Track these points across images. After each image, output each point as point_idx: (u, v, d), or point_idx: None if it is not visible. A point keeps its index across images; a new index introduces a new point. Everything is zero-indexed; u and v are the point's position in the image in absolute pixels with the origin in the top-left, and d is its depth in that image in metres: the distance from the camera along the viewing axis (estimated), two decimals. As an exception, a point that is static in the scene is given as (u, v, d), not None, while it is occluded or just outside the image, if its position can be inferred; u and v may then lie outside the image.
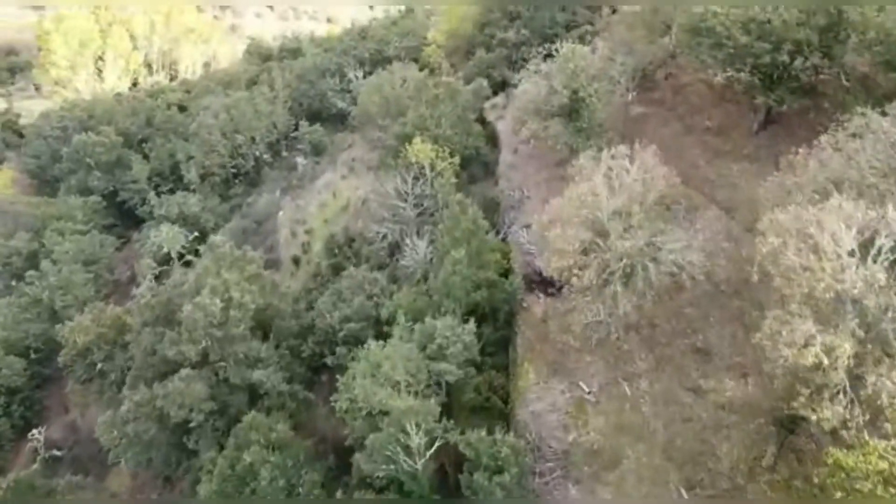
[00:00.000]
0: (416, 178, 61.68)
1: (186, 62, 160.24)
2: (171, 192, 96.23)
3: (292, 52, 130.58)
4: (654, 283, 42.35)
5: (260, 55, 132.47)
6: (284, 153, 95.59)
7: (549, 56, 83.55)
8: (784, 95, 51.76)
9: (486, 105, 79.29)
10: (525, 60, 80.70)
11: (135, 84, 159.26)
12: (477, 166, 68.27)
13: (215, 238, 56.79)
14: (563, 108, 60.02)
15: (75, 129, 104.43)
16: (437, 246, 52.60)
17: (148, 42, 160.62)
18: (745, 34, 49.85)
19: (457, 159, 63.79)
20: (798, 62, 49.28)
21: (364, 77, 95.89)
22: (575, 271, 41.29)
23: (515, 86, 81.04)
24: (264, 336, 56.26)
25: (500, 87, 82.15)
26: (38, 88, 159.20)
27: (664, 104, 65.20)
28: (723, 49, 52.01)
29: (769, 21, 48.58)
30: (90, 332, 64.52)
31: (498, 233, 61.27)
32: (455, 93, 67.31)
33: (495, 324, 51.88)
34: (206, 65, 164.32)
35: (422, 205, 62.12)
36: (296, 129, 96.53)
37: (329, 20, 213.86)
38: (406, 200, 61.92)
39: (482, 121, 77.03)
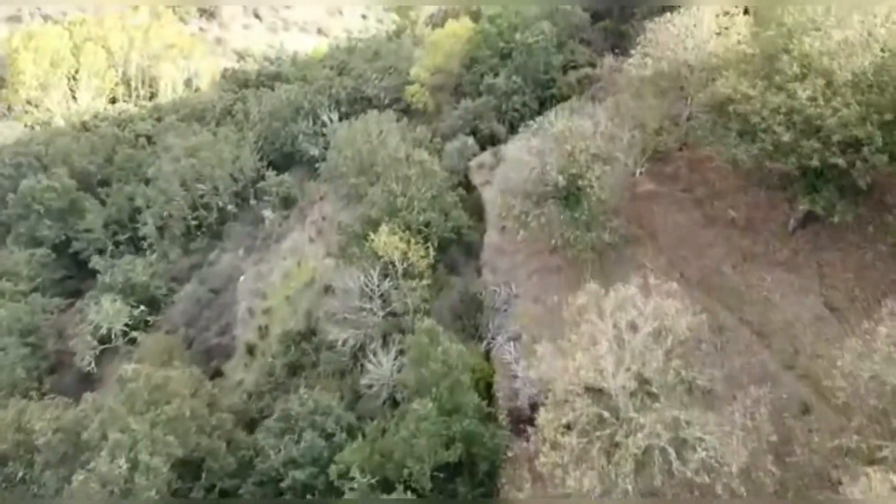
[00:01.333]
0: (383, 275, 50.32)
1: (166, 80, 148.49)
2: (130, 240, 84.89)
3: (271, 77, 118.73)
4: (675, 476, 31.10)
5: (237, 81, 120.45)
6: (253, 200, 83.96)
7: (542, 104, 72.89)
8: (833, 200, 40.16)
9: (472, 163, 67.67)
10: (517, 112, 69.30)
11: (113, 101, 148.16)
12: (458, 250, 56.80)
13: (127, 368, 45.22)
14: (559, 191, 48.54)
15: (30, 167, 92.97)
16: (400, 386, 41.24)
17: (125, 59, 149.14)
18: (787, 129, 38.31)
19: (433, 248, 52.43)
20: (855, 164, 37.70)
21: (340, 119, 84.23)
22: (572, 472, 30.04)
23: (505, 141, 69.85)
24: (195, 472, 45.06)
25: (489, 140, 70.45)
26: (10, 108, 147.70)
27: (678, 182, 53.61)
28: (756, 143, 40.48)
29: (821, 116, 36.97)
30: (6, 439, 53.30)
31: (481, 339, 50.00)
32: (431, 173, 55.56)
33: (473, 480, 40.69)
34: (188, 81, 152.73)
35: (390, 305, 50.76)
36: (264, 177, 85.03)
37: (320, 31, 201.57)
38: (371, 300, 50.55)
39: (466, 185, 65.56)
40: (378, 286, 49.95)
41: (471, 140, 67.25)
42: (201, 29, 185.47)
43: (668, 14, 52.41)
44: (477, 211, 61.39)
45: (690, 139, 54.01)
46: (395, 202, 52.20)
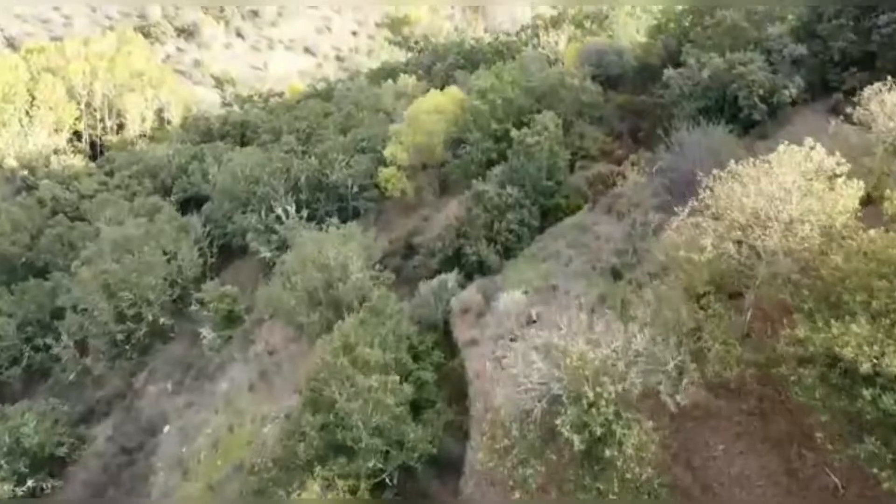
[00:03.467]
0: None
1: (133, 112, 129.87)
2: (47, 349, 66.94)
3: (238, 126, 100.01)
4: None
5: (198, 131, 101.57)
6: (193, 305, 65.65)
7: (545, 215, 54.56)
8: None
9: (455, 304, 49.37)
10: (512, 233, 51.02)
11: (78, 137, 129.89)
12: (427, 474, 38.61)
13: None
14: (574, 454, 30.59)
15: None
16: None
17: (88, 90, 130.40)
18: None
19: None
20: None
21: (299, 209, 65.85)
22: None
23: (499, 270, 51.59)
24: None
25: (478, 269, 52.23)
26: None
27: (743, 399, 35.50)
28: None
29: None
30: None
31: None
32: (384, 405, 36.55)
33: None
34: (159, 112, 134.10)
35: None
36: (210, 273, 67.07)
37: (307, 50, 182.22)
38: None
39: (447, 342, 47.47)
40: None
41: (452, 279, 48.93)
42: (179, 49, 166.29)
43: (738, 164, 34.07)
44: (456, 396, 43.32)
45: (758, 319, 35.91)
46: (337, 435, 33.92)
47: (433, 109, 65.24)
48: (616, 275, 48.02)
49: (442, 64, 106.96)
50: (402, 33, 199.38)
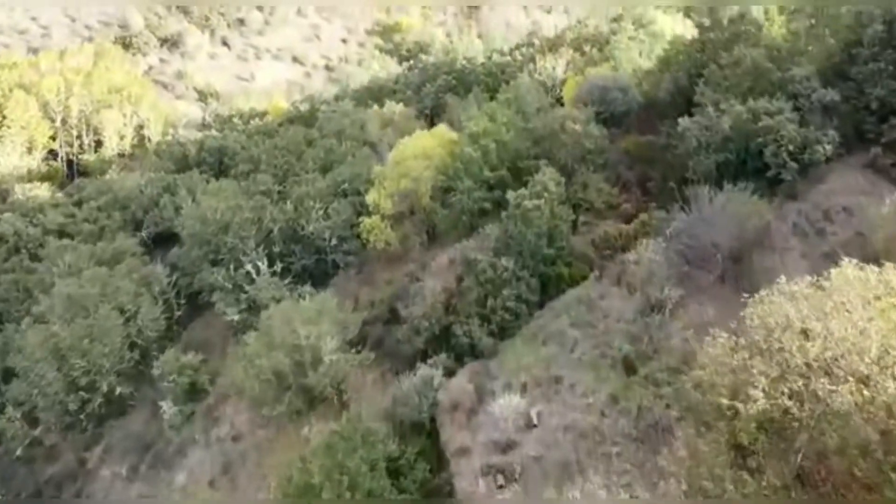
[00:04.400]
0: None
1: (111, 130, 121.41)
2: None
3: (215, 152, 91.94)
4: None
5: (173, 158, 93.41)
6: (155, 369, 57.78)
7: (545, 287, 47.10)
8: None
9: (443, 398, 41.84)
10: (508, 312, 43.59)
11: (53, 156, 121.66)
12: None
13: None
14: None
15: None
16: None
17: (64, 107, 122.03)
18: None
19: None
20: None
21: (271, 263, 58.16)
22: None
23: (493, 355, 44.16)
24: None
25: (470, 351, 44.69)
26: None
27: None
28: None
29: None
30: None
31: None
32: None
33: None
34: (139, 128, 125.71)
35: None
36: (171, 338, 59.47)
37: (295, 59, 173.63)
38: None
39: (434, 447, 39.99)
40: None
41: (437, 375, 41.35)
42: (162, 60, 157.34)
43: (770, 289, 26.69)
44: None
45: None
46: None
47: (420, 153, 57.53)
48: (629, 367, 40.67)
49: (432, 85, 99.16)
50: (394, 41, 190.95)
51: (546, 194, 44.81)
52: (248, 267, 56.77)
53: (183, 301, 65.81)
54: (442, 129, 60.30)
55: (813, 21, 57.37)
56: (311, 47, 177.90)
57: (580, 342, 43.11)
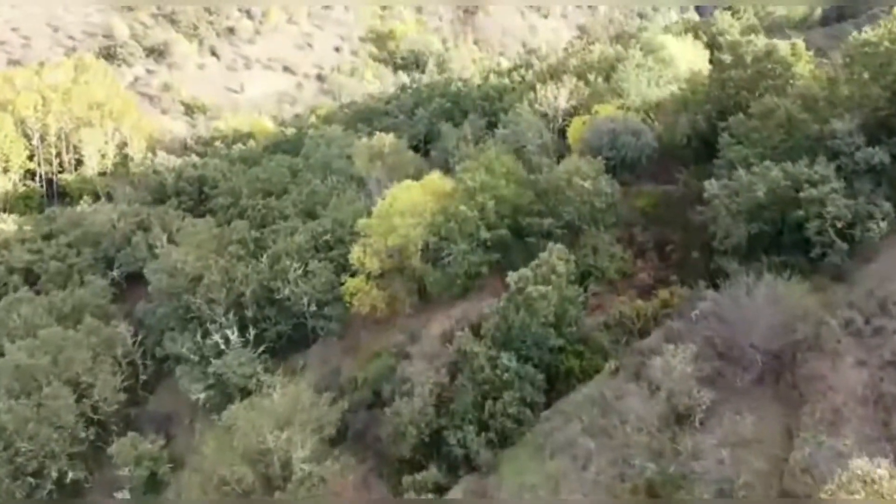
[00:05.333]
0: None
1: (91, 148, 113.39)
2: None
3: (194, 181, 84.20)
4: None
5: (150, 188, 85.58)
6: (113, 446, 50.32)
7: (552, 383, 39.80)
8: None
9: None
10: (509, 418, 36.31)
11: (32, 175, 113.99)
12: None
13: None
14: None
15: None
16: None
17: (42, 125, 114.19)
18: None
19: None
20: None
21: (244, 328, 50.76)
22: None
23: (492, 468, 36.92)
24: None
25: (465, 461, 37.33)
26: None
27: None
28: None
29: None
30: None
31: None
32: None
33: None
34: (122, 145, 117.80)
35: None
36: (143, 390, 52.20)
37: (286, 68, 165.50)
38: None
39: None
40: None
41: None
42: (148, 71, 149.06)
43: None
44: None
45: None
46: None
47: (409, 209, 50.02)
48: (653, 495, 33.48)
49: (426, 108, 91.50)
50: (388, 48, 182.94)
51: (554, 277, 37.39)
52: (217, 337, 49.30)
53: (149, 361, 58.50)
54: (434, 179, 52.66)
55: (848, 59, 49.76)
56: (303, 56, 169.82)
57: (595, 456, 35.84)
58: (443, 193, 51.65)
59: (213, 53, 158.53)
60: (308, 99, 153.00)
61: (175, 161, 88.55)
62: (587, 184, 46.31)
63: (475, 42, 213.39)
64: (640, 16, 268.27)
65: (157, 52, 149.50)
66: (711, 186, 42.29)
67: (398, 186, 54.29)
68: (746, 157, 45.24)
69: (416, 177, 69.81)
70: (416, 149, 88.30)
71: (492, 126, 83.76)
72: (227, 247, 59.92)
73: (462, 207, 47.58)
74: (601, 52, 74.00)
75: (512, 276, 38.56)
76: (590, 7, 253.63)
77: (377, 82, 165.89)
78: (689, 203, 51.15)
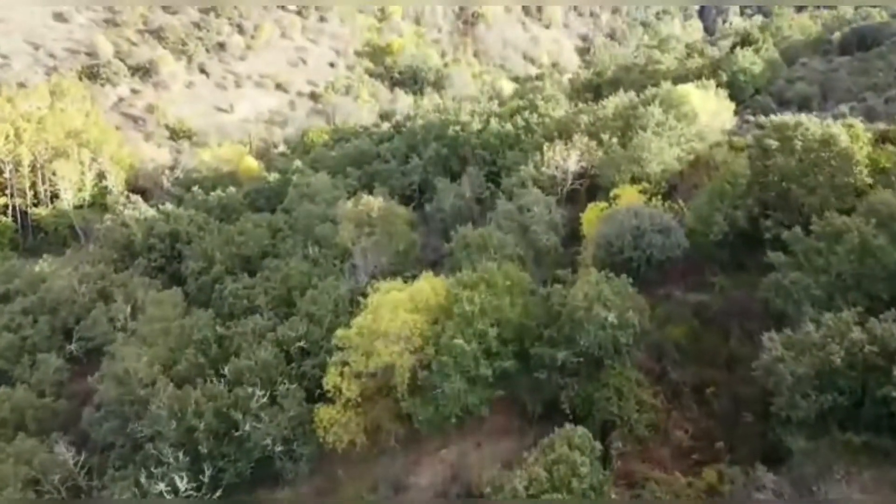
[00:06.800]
0: None
1: (68, 180, 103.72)
2: None
3: (167, 238, 74.28)
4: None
5: (117, 245, 75.48)
6: None
7: None
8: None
9: None
10: None
11: (3, 209, 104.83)
12: None
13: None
14: None
15: None
16: None
17: (14, 156, 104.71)
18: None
19: None
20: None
21: (195, 474, 41.11)
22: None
23: None
24: None
25: None
26: None
27: None
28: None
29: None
30: None
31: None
32: None
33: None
34: (100, 176, 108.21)
35: None
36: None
37: (279, 86, 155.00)
38: None
39: None
40: None
41: None
42: (133, 91, 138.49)
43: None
44: None
45: None
46: None
47: (394, 329, 40.22)
48: None
49: (421, 154, 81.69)
50: (385, 64, 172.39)
51: (575, 482, 27.69)
52: (162, 486, 39.66)
53: (95, 481, 48.85)
54: (424, 287, 42.75)
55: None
56: (297, 72, 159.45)
57: None
58: (437, 307, 41.82)
59: (202, 71, 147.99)
60: (300, 119, 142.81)
61: (147, 210, 78.53)
62: (611, 317, 36.52)
63: (475, 54, 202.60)
64: (643, 24, 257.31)
65: (142, 71, 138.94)
66: (770, 342, 32.48)
67: (383, 290, 44.43)
68: (809, 289, 35.56)
69: (409, 250, 60.42)
70: (409, 199, 78.80)
71: (492, 178, 74.27)
72: (187, 345, 50.37)
73: (458, 341, 37.81)
74: (616, 108, 63.89)
75: (520, 479, 28.74)
76: (592, 16, 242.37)
77: (373, 100, 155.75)
78: (731, 319, 41.72)
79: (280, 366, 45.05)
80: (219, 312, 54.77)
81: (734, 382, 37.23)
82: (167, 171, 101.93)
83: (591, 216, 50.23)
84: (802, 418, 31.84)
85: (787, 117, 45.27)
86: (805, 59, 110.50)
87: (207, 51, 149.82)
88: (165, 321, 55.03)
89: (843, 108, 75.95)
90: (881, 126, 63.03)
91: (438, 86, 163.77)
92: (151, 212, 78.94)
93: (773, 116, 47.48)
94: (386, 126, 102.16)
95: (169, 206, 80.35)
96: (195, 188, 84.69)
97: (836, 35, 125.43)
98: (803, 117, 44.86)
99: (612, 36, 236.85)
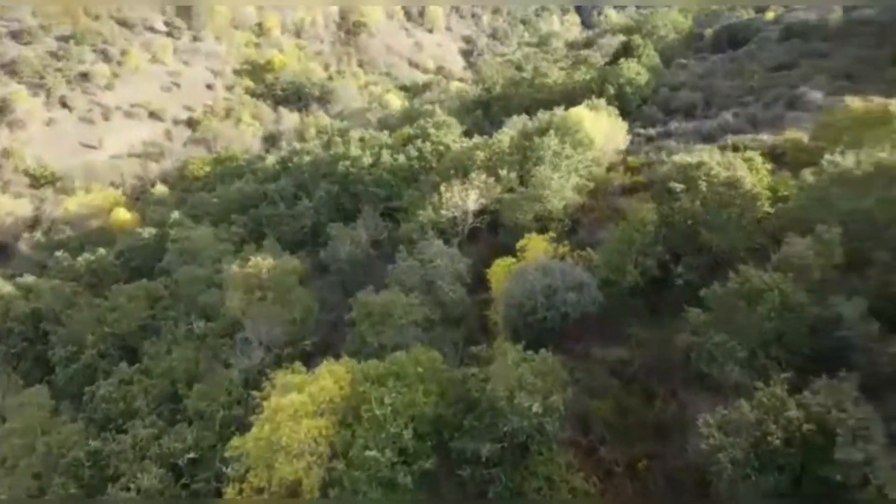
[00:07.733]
0: None
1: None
2: None
3: (29, 319, 64.90)
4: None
5: None
6: None
7: None
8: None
9: None
10: None
11: None
12: None
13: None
14: None
15: None
16: None
17: None
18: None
19: None
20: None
21: None
22: None
23: None
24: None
25: None
26: None
27: None
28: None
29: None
30: None
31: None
32: None
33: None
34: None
35: None
36: None
37: (152, 114, 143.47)
38: None
39: None
40: None
41: None
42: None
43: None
44: None
45: None
46: None
47: (293, 444, 35.12)
48: None
49: (310, 195, 75.85)
50: (265, 81, 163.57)
51: None
52: None
53: None
54: (328, 383, 37.79)
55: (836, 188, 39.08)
56: (171, 98, 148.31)
57: None
58: (342, 407, 37.00)
59: (64, 105, 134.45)
60: (178, 150, 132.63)
61: (3, 286, 68.47)
62: (536, 406, 33.09)
63: (360, 64, 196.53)
64: (523, 21, 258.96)
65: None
66: (709, 427, 29.96)
67: (280, 387, 39.15)
68: (734, 351, 33.58)
69: (305, 317, 55.15)
70: (301, 244, 73.12)
71: (388, 215, 69.89)
72: (55, 468, 42.91)
73: (370, 453, 33.25)
74: (511, 140, 60.98)
75: None
76: (473, 17, 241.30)
77: (256, 123, 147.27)
78: (652, 377, 39.54)
79: (168, 489, 38.76)
80: (92, 418, 47.40)
81: (667, 455, 34.78)
82: (27, 231, 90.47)
83: (499, 272, 46.77)
84: (743, 501, 29.64)
85: (690, 158, 43.40)
86: (682, 60, 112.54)
87: (69, 82, 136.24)
88: (29, 434, 47.12)
89: (727, 115, 76.72)
90: (767, 139, 63.38)
91: (324, 101, 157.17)
92: (8, 287, 68.98)
93: (675, 157, 45.59)
94: (271, 160, 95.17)
95: (29, 279, 70.64)
96: (59, 253, 74.93)
97: (709, 32, 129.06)
98: (705, 155, 43.21)
99: (493, 35, 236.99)
